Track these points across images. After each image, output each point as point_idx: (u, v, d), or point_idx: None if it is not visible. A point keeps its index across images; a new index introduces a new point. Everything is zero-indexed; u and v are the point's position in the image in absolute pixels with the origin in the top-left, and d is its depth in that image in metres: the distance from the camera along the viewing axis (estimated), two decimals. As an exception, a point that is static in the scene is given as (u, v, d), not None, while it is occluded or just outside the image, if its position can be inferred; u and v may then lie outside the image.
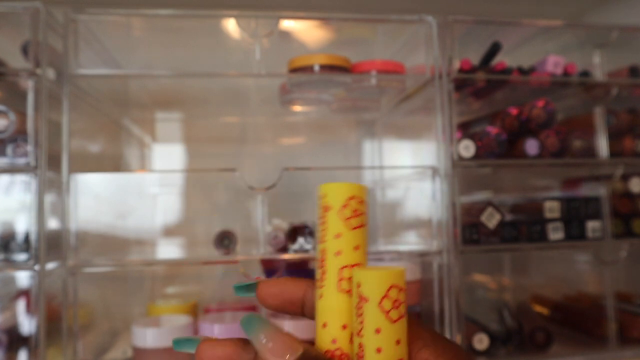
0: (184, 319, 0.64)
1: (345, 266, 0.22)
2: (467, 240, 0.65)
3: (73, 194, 0.60)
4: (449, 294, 0.64)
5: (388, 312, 0.20)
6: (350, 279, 0.22)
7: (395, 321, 0.20)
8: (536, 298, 0.83)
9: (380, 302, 0.20)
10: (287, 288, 0.24)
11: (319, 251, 0.22)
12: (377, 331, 0.20)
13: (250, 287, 0.25)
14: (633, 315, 0.71)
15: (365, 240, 0.23)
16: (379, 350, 0.20)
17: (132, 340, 0.61)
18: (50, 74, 0.60)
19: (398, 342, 0.21)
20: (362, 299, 0.20)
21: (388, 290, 0.20)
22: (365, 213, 0.23)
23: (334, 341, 0.21)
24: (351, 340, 0.21)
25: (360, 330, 0.20)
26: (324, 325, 0.22)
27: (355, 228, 0.22)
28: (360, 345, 0.20)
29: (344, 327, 0.21)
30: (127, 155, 0.88)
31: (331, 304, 0.22)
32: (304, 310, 0.24)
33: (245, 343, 0.22)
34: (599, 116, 0.72)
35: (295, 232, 0.67)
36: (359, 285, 0.21)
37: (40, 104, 0.58)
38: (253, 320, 0.22)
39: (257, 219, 0.62)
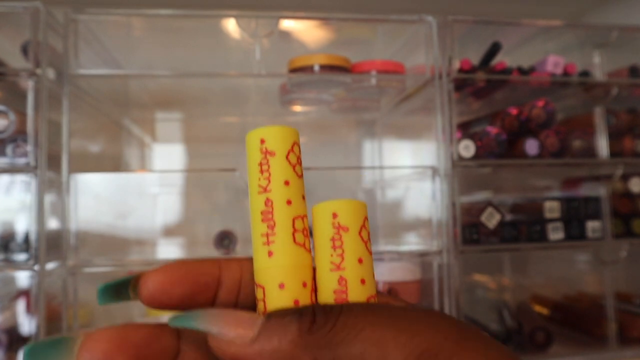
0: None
1: (298, 217, 0.19)
2: (467, 240, 0.65)
3: (73, 194, 0.60)
4: (449, 294, 0.64)
5: (366, 242, 0.19)
6: (304, 230, 0.19)
7: (371, 253, 0.20)
8: (536, 298, 0.83)
9: (360, 232, 0.19)
10: (197, 269, 0.19)
11: (261, 203, 0.19)
12: (360, 261, 0.19)
13: (124, 287, 0.19)
14: (633, 315, 0.71)
15: (304, 192, 0.20)
16: (362, 282, 0.19)
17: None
18: (50, 74, 0.60)
19: (373, 275, 0.20)
20: (340, 228, 0.19)
21: (364, 220, 0.19)
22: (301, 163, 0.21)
23: (295, 302, 0.19)
24: (313, 299, 0.19)
25: (339, 264, 0.19)
26: (281, 286, 0.19)
27: (300, 177, 0.20)
28: (342, 280, 0.19)
29: (304, 284, 0.19)
30: (127, 155, 0.88)
31: (288, 260, 0.19)
32: (219, 295, 0.19)
33: (163, 326, 0.18)
34: (599, 116, 0.72)
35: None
36: (334, 216, 0.19)
37: (40, 104, 0.58)
38: (187, 316, 0.17)
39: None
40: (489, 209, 0.66)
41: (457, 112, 0.67)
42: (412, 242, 0.80)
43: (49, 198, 0.59)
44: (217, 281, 0.19)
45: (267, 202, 0.19)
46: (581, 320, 0.74)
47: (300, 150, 0.20)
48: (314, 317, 0.16)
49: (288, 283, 0.19)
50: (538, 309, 0.81)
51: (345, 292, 0.19)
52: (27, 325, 0.59)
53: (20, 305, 0.61)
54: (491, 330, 0.67)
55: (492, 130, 0.65)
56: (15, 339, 0.59)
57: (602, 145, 0.71)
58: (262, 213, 0.19)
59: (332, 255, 0.19)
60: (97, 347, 0.16)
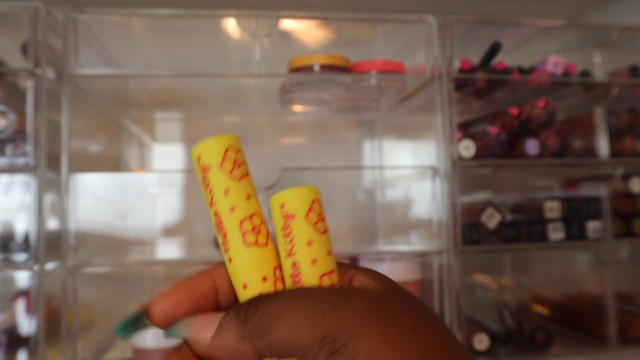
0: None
1: (244, 219, 0.21)
2: (467, 240, 0.65)
3: (73, 194, 0.60)
4: (449, 294, 0.64)
5: (315, 223, 0.20)
6: (254, 229, 0.21)
7: (323, 233, 0.21)
8: (536, 298, 0.83)
9: (307, 215, 0.20)
10: (192, 285, 0.21)
11: (213, 216, 0.21)
12: (309, 243, 0.20)
13: (138, 319, 0.21)
14: (633, 315, 0.71)
15: (253, 187, 0.21)
16: (314, 262, 0.20)
17: (132, 341, 0.61)
18: (50, 73, 0.60)
19: (329, 253, 0.21)
20: (288, 217, 0.20)
21: (312, 203, 0.20)
22: (245, 161, 0.22)
23: None
24: (276, 289, 0.21)
25: (291, 250, 0.20)
26: (245, 287, 0.20)
27: (240, 179, 0.21)
28: (294, 264, 0.20)
29: (265, 279, 0.21)
30: (127, 155, 0.88)
31: (244, 262, 0.20)
32: (220, 298, 0.22)
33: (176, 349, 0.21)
34: (599, 116, 0.72)
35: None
36: (282, 206, 0.20)
37: (40, 104, 0.58)
38: (172, 329, 0.21)
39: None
40: (489, 209, 0.66)
41: (457, 112, 0.67)
42: (412, 242, 0.80)
43: (48, 198, 0.59)
44: (213, 290, 0.21)
45: (216, 214, 0.21)
46: (581, 321, 0.74)
47: (238, 152, 0.21)
48: (248, 310, 0.19)
49: (249, 282, 0.20)
50: (538, 309, 0.81)
51: (299, 275, 0.20)
52: (26, 325, 0.59)
53: (20, 306, 0.61)
54: (491, 331, 0.67)
55: (493, 130, 0.65)
56: (14, 339, 0.59)
57: (603, 145, 0.71)
58: (216, 225, 0.21)
59: (285, 243, 0.20)
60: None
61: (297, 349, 0.17)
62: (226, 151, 0.21)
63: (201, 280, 0.21)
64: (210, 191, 0.21)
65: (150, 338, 0.59)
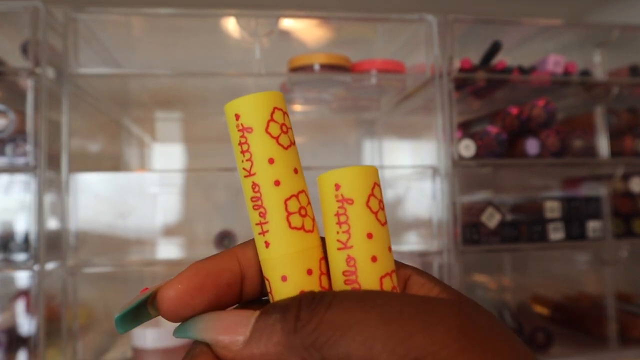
0: (183, 319, 0.64)
1: (291, 196, 0.17)
2: (467, 240, 0.65)
3: (73, 193, 0.60)
4: (449, 294, 0.64)
5: (377, 212, 0.17)
6: (300, 210, 0.17)
7: (383, 224, 0.17)
8: (536, 298, 0.83)
9: (368, 201, 0.17)
10: (216, 268, 0.17)
11: (249, 188, 0.17)
12: (370, 236, 0.17)
13: (142, 308, 0.17)
14: (633, 315, 0.71)
15: (299, 161, 0.18)
16: (374, 259, 0.17)
17: (132, 341, 0.61)
18: (50, 73, 0.60)
19: (389, 249, 0.17)
20: (344, 201, 0.17)
21: (373, 187, 0.17)
22: (291, 127, 0.18)
23: (301, 293, 0.17)
24: (321, 284, 0.18)
25: (346, 241, 0.17)
26: (284, 279, 0.17)
27: (288, 147, 0.17)
28: (350, 259, 0.17)
29: (309, 272, 0.17)
30: (127, 155, 0.88)
31: (286, 248, 0.17)
32: (244, 288, 0.18)
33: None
34: (599, 116, 0.72)
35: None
36: (337, 187, 0.17)
37: (40, 104, 0.58)
38: (185, 327, 0.17)
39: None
40: (489, 209, 0.65)
41: (457, 111, 0.67)
42: (413, 242, 0.80)
43: (48, 198, 0.59)
44: (239, 276, 0.18)
45: (254, 186, 0.17)
46: (581, 321, 0.74)
47: (285, 116, 0.18)
48: (299, 313, 0.15)
49: (290, 274, 0.17)
50: (538, 309, 0.81)
51: (355, 273, 0.17)
52: (26, 325, 0.59)
53: (20, 306, 0.61)
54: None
55: (493, 129, 0.65)
56: (14, 339, 0.59)
57: (603, 145, 0.71)
58: (251, 200, 0.17)
59: (338, 233, 0.17)
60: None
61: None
62: (273, 111, 0.17)
63: (227, 264, 0.17)
64: (250, 158, 0.17)
65: (150, 338, 0.59)
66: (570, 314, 0.76)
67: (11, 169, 0.58)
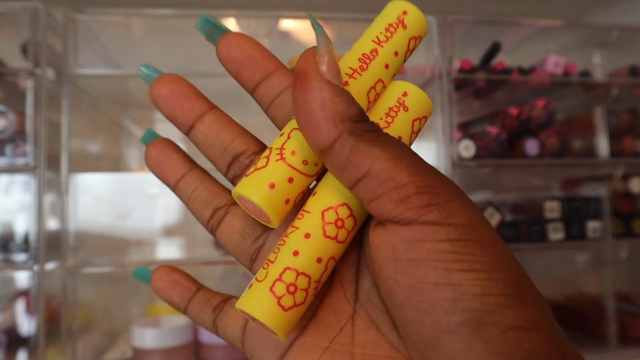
0: (183, 319, 0.64)
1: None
2: (467, 240, 0.65)
3: (73, 194, 0.60)
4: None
5: (414, 132, 0.18)
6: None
7: (411, 142, 0.19)
8: (536, 298, 0.83)
9: (414, 119, 0.18)
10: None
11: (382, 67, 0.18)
12: (399, 138, 0.18)
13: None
14: (633, 315, 0.71)
15: None
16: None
17: (132, 341, 0.61)
18: (50, 73, 0.60)
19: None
20: (402, 105, 0.18)
21: (423, 119, 0.19)
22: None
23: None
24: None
25: (388, 125, 0.18)
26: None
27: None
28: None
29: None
30: (127, 155, 0.88)
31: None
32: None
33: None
34: (599, 116, 0.72)
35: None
36: (405, 94, 0.18)
37: (40, 104, 0.58)
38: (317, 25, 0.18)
39: (257, 219, 0.62)
40: (489, 209, 0.65)
41: (457, 112, 0.67)
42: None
43: (48, 198, 0.59)
44: None
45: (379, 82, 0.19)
46: (581, 321, 0.74)
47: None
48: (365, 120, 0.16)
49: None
50: (538, 309, 0.81)
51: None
52: (26, 325, 0.59)
53: (20, 306, 0.61)
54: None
55: (493, 130, 0.65)
56: (14, 339, 0.59)
57: (603, 146, 0.71)
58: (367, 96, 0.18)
59: (381, 119, 0.18)
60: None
61: (389, 177, 0.14)
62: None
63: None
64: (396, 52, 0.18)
65: (150, 338, 0.59)
66: (570, 314, 0.76)
67: (11, 169, 0.58)
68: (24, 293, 0.61)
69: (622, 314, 0.71)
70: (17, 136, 0.59)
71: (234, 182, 0.20)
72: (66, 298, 0.59)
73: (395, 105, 0.18)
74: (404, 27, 0.18)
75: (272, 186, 0.16)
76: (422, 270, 0.14)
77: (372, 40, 0.19)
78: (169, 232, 0.85)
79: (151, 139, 0.22)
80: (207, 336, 0.63)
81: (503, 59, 0.70)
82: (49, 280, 0.58)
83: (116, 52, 0.73)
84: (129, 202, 0.82)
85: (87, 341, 0.67)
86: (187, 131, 0.20)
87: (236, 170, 0.19)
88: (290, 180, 0.16)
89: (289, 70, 0.19)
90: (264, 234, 0.19)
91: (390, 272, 0.14)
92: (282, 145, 0.17)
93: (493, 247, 0.14)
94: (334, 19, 0.67)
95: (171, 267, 0.21)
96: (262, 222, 0.18)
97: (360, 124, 0.15)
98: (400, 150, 0.15)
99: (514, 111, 0.69)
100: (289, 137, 0.17)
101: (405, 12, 0.19)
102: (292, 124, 0.17)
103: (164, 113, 0.20)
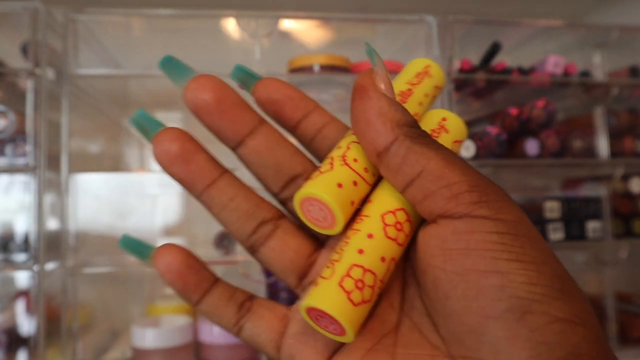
0: (183, 319, 0.64)
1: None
2: (467, 240, 0.65)
3: (73, 194, 0.60)
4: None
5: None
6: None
7: None
8: (536, 298, 0.83)
9: (454, 141, 0.20)
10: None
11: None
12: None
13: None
14: (633, 315, 0.71)
15: None
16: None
17: (132, 341, 0.61)
18: (50, 74, 0.60)
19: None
20: (443, 128, 0.20)
21: (460, 143, 0.21)
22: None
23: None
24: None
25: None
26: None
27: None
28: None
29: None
30: (127, 155, 0.88)
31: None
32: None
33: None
34: (599, 116, 0.72)
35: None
36: (445, 119, 0.20)
37: (40, 104, 0.58)
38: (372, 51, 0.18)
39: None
40: (489, 209, 0.65)
41: (457, 112, 0.67)
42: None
43: (48, 198, 0.59)
44: None
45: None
46: (581, 321, 0.74)
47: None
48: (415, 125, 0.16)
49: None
50: (538, 309, 0.81)
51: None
52: (26, 325, 0.59)
53: (20, 306, 0.61)
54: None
55: (493, 130, 0.65)
56: (14, 339, 0.59)
57: (603, 146, 0.71)
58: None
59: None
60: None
61: (442, 175, 0.15)
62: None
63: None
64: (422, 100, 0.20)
65: (150, 338, 0.59)
66: (570, 315, 0.76)
67: (11, 169, 0.58)
68: (24, 293, 0.61)
69: (622, 314, 0.71)
70: (17, 136, 0.59)
71: (286, 202, 0.19)
72: (66, 298, 0.59)
73: (437, 128, 0.20)
74: (430, 76, 0.21)
75: (340, 185, 0.17)
76: (471, 258, 0.14)
77: (407, 82, 0.20)
78: (169, 232, 0.85)
79: (157, 127, 0.18)
80: (207, 336, 0.63)
81: (503, 59, 0.70)
82: (49, 280, 0.58)
83: (116, 52, 0.73)
84: (129, 202, 0.82)
85: (87, 341, 0.67)
86: (235, 146, 0.19)
87: (292, 191, 0.18)
88: (355, 183, 0.17)
89: (324, 109, 0.20)
90: (316, 251, 0.18)
91: (439, 262, 0.15)
92: (344, 154, 0.17)
93: (540, 243, 0.15)
94: (334, 19, 0.67)
95: (184, 249, 0.18)
96: (320, 229, 0.17)
97: (415, 129, 0.16)
98: (452, 154, 0.16)
99: (514, 111, 0.69)
100: (348, 148, 0.18)
101: (429, 66, 0.21)
102: (348, 139, 0.18)
103: (205, 123, 0.18)
